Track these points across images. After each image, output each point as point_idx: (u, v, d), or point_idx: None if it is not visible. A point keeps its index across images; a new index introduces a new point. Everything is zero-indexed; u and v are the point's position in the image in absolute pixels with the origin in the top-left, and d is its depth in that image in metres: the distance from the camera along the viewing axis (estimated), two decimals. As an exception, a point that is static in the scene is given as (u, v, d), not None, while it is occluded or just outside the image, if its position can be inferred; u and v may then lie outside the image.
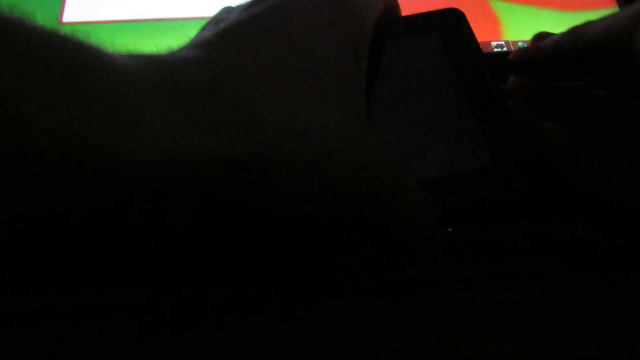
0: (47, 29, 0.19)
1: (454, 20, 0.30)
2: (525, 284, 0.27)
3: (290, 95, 0.22)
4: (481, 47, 0.30)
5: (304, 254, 0.27)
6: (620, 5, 0.38)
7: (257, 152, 0.21)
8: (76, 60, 0.18)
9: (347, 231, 0.24)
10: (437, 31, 0.30)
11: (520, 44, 0.37)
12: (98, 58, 0.19)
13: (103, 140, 0.18)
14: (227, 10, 0.27)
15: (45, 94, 0.17)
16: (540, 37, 0.31)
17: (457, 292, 0.27)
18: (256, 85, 0.22)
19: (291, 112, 0.22)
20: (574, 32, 0.29)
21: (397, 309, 0.26)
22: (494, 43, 0.37)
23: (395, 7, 0.30)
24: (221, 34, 0.23)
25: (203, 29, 0.26)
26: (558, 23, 0.38)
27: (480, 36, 0.37)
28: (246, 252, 0.25)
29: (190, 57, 0.22)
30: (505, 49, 0.37)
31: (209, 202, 0.21)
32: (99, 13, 0.39)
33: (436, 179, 0.26)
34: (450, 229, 0.29)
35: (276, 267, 0.27)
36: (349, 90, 0.24)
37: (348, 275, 0.27)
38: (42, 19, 0.19)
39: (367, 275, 0.27)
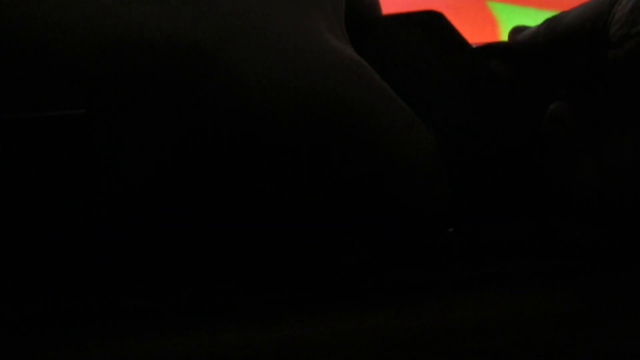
0: None
1: (436, 18, 0.30)
2: (523, 284, 0.27)
3: None
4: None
5: (303, 252, 0.27)
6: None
7: (209, 38, 0.18)
8: None
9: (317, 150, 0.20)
10: (421, 26, 0.30)
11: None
12: None
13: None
14: None
15: None
16: (517, 30, 0.30)
17: (455, 293, 0.27)
18: None
19: (253, 6, 0.19)
20: (550, 23, 0.29)
21: (396, 309, 0.26)
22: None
23: (375, 6, 0.28)
24: None
25: None
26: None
27: (478, 37, 0.37)
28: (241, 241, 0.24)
29: None
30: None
31: (152, 92, 0.18)
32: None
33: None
34: (450, 230, 0.29)
35: (275, 266, 0.27)
36: (326, 5, 0.21)
37: (347, 276, 0.27)
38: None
39: (365, 276, 0.27)
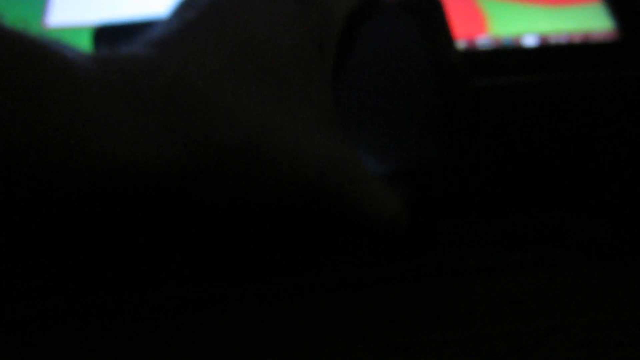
0: (18, 33, 0.19)
1: (430, 7, 0.30)
2: (517, 274, 0.28)
3: (246, 100, 0.22)
4: (459, 42, 0.30)
5: (296, 251, 0.27)
6: (604, 1, 0.38)
7: (208, 161, 0.21)
8: (44, 69, 0.19)
9: (313, 222, 0.24)
10: (412, 19, 0.29)
11: (505, 39, 0.37)
12: (64, 66, 0.20)
13: (64, 148, 0.19)
14: None
15: (14, 104, 0.19)
16: None
17: (450, 284, 0.27)
18: (212, 90, 0.22)
19: (246, 119, 0.22)
20: None
21: (392, 301, 0.27)
22: (479, 40, 0.37)
23: None
24: (182, 30, 0.23)
25: (174, 13, 0.26)
26: (543, 19, 0.38)
27: (466, 32, 0.37)
28: (228, 248, 0.25)
29: (150, 57, 0.22)
30: (491, 45, 0.37)
31: (156, 203, 0.21)
32: (91, 14, 0.39)
33: (399, 171, 0.27)
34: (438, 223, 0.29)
35: (265, 264, 0.27)
36: (310, 89, 0.24)
37: (340, 270, 0.27)
38: (20, 20, 0.19)
39: (359, 269, 0.28)
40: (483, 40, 0.37)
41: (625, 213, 0.30)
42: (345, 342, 0.25)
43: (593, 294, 0.27)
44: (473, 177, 0.27)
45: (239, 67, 0.23)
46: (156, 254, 0.25)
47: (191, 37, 0.23)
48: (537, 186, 0.31)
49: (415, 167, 0.27)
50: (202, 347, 0.25)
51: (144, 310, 0.26)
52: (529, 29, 0.37)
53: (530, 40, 0.37)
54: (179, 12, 0.25)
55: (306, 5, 0.25)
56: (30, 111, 0.19)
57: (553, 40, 0.37)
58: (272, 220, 0.24)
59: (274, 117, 0.23)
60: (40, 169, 0.19)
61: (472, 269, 0.28)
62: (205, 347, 0.25)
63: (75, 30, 0.38)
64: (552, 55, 0.37)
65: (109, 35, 0.30)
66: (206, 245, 0.25)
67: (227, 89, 0.22)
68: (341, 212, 0.24)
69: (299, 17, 0.25)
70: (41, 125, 0.19)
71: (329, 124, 0.24)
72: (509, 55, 0.37)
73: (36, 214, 0.20)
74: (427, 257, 0.28)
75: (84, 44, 0.37)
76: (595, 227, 0.30)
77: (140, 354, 0.24)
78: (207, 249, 0.25)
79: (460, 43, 0.37)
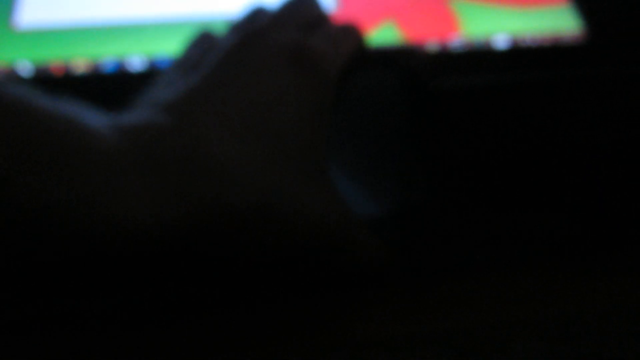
0: (45, 106, 0.21)
1: (411, 61, 0.33)
2: (495, 272, 0.29)
3: (252, 164, 0.24)
4: (431, 45, 0.30)
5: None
6: (571, 1, 0.39)
7: (219, 222, 0.23)
8: (69, 142, 0.21)
9: (309, 266, 0.27)
10: (394, 74, 0.32)
11: (476, 41, 0.38)
12: (87, 139, 0.22)
13: (86, 216, 0.21)
14: (201, 50, 0.29)
15: (40, 174, 0.20)
16: None
17: (435, 282, 0.28)
18: (221, 156, 0.24)
19: (252, 182, 0.24)
20: None
21: (385, 300, 0.27)
22: (451, 42, 0.38)
23: (362, 45, 0.31)
24: (189, 95, 0.25)
25: (177, 72, 0.28)
26: (514, 20, 0.39)
27: (438, 34, 0.37)
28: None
29: (164, 125, 0.24)
30: (463, 47, 0.38)
31: (166, 263, 0.23)
32: (65, 12, 0.39)
33: (382, 215, 0.30)
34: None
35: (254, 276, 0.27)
36: (308, 149, 0.26)
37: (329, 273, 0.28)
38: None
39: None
40: (454, 42, 0.38)
41: (596, 209, 0.31)
42: (337, 339, 0.25)
43: (568, 290, 0.28)
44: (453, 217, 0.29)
45: (244, 132, 0.25)
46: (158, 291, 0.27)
47: (199, 104, 0.25)
48: (512, 187, 0.32)
49: (399, 210, 0.29)
50: (201, 347, 0.25)
51: (142, 310, 0.26)
52: (499, 30, 0.38)
53: (501, 42, 0.38)
54: (184, 72, 0.28)
55: (304, 70, 0.27)
56: (55, 182, 0.20)
57: (523, 41, 0.38)
58: (273, 267, 0.26)
59: (277, 177, 0.25)
60: (61, 234, 0.21)
61: (450, 267, 0.29)
62: (205, 347, 0.25)
63: (49, 33, 0.38)
64: (522, 56, 0.37)
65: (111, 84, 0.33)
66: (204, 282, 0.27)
67: (234, 154, 0.24)
68: (333, 257, 0.26)
69: (298, 83, 0.27)
70: (64, 194, 0.20)
71: (323, 179, 0.26)
72: (480, 57, 0.37)
73: (52, 270, 0.22)
74: (413, 256, 0.29)
75: (60, 49, 0.36)
76: (568, 225, 0.31)
77: (139, 354, 0.25)
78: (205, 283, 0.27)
79: (432, 45, 0.37)
